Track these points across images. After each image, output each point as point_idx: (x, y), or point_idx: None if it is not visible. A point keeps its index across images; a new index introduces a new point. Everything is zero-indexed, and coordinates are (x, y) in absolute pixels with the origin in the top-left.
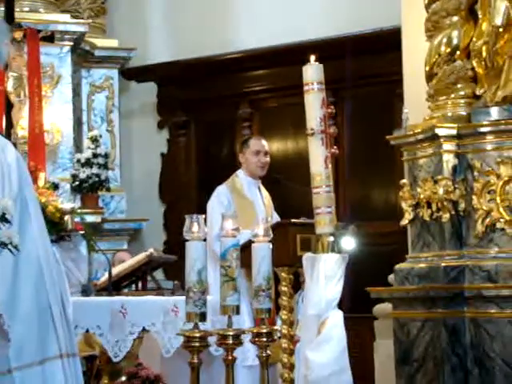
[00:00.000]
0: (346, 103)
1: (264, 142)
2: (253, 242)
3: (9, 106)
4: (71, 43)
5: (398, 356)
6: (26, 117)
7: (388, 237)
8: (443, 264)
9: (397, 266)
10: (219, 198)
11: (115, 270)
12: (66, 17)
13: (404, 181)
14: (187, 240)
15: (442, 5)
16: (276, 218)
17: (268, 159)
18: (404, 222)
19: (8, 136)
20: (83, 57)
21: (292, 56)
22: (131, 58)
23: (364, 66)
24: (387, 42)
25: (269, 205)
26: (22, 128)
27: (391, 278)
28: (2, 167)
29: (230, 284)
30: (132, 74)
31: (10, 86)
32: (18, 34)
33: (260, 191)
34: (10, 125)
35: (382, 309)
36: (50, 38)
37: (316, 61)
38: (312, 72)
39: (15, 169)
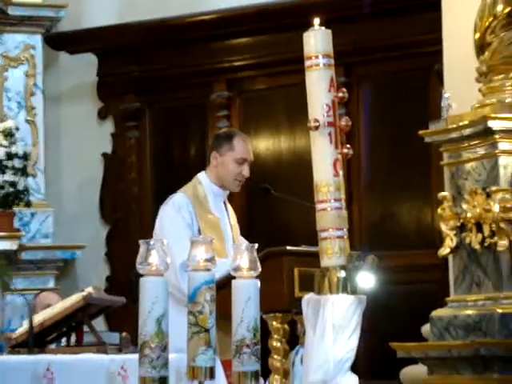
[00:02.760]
0: (364, 85)
1: (250, 147)
2: (232, 277)
3: None
4: None
5: None
6: None
7: (421, 272)
8: (500, 311)
9: (434, 313)
10: (180, 211)
11: (38, 318)
12: None
13: (444, 194)
14: (141, 275)
15: None
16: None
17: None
18: (444, 251)
19: None
20: None
21: (288, 18)
22: (61, 19)
23: (388, 32)
24: None
25: (235, 225)
26: None
27: (426, 329)
28: None
29: (202, 337)
30: (62, 43)
31: None
32: None
33: (226, 206)
34: None
35: (412, 373)
36: None
37: (322, 25)
38: (316, 40)
39: None
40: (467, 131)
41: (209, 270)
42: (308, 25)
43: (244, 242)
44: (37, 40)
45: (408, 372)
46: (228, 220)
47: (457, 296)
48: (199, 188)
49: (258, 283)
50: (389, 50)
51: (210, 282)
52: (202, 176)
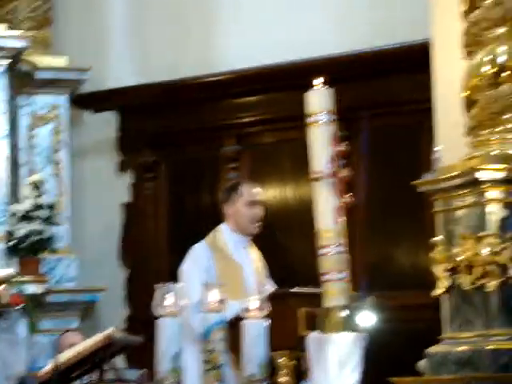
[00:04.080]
0: (362, 139)
1: (259, 189)
2: (242, 318)
3: None
4: (6, 62)
5: None
6: None
7: (417, 311)
8: (490, 347)
9: (429, 350)
10: (197, 259)
11: (63, 357)
12: (0, 28)
13: (437, 238)
14: (158, 317)
15: (484, 13)
16: (271, 288)
17: (263, 213)
18: (437, 291)
19: None
20: (22, 80)
21: (292, 78)
22: (85, 81)
23: (384, 90)
24: (413, 61)
25: (261, 270)
26: None
27: (422, 364)
28: None
29: (214, 373)
30: (86, 102)
31: None
32: None
33: (249, 252)
34: None
35: None
36: None
37: (324, 84)
38: (318, 99)
39: None
40: (457, 181)
41: (220, 311)
42: (310, 84)
43: (271, 287)
44: (62, 100)
45: None
46: (251, 265)
47: (450, 333)
48: (219, 237)
49: (266, 323)
50: (384, 106)
51: (222, 323)
52: (222, 226)
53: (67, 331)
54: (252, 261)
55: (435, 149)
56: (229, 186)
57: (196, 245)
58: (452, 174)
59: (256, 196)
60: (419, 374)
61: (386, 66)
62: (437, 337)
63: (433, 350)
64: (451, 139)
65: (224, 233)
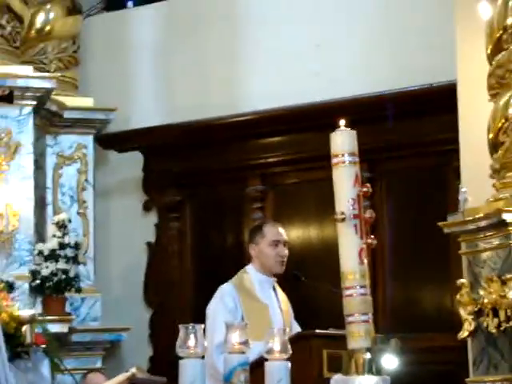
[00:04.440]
0: (386, 180)
1: (282, 229)
2: (266, 359)
3: None
4: (34, 103)
5: None
6: None
7: (442, 354)
8: None
9: None
10: (223, 299)
11: None
12: (28, 69)
13: (462, 281)
14: (181, 357)
15: (510, 55)
16: (296, 329)
17: (287, 252)
18: (463, 334)
19: None
20: (49, 120)
21: (316, 119)
22: (110, 121)
23: (409, 132)
24: (439, 102)
25: (287, 310)
26: None
27: None
28: None
29: None
30: (111, 142)
31: None
32: None
33: (276, 293)
34: None
35: None
36: (8, 97)
37: (347, 126)
38: (342, 140)
39: None
40: (483, 223)
41: (243, 352)
42: (335, 125)
43: (296, 328)
44: (88, 140)
45: None
46: (278, 305)
47: (476, 377)
48: (245, 277)
49: (289, 365)
50: (409, 147)
51: (245, 364)
52: (248, 267)
53: (90, 371)
54: (278, 301)
55: (461, 190)
56: (254, 226)
57: (223, 285)
58: (478, 216)
59: (279, 236)
60: None
61: (409, 108)
62: (462, 380)
63: None
64: (477, 181)
65: (250, 273)
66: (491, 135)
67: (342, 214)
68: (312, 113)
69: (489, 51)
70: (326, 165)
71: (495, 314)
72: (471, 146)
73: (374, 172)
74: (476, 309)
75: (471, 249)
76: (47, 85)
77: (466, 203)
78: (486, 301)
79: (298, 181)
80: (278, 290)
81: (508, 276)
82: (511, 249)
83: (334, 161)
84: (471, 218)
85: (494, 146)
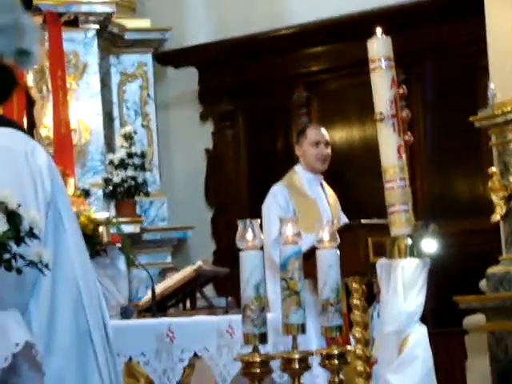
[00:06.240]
0: (420, 81)
1: (324, 130)
2: (317, 248)
3: (30, 103)
4: (97, 26)
5: (495, 377)
6: (49, 114)
7: (477, 236)
8: None
9: (489, 270)
10: (275, 198)
11: (159, 288)
12: None
13: (493, 169)
14: (241, 250)
15: None
16: (343, 220)
17: (329, 151)
18: (495, 217)
19: (30, 137)
20: (111, 41)
21: (354, 29)
22: (166, 39)
23: (440, 35)
24: (466, 4)
25: (334, 204)
26: (45, 127)
27: (483, 284)
28: (32, 173)
29: (293, 299)
30: (168, 59)
31: (30, 80)
32: (38, 20)
33: (323, 189)
34: (31, 124)
35: (473, 321)
36: (73, 22)
37: (383, 33)
38: (378, 46)
39: (47, 174)
40: (510, 116)
41: (296, 243)
42: (371, 33)
43: (343, 219)
44: (148, 58)
45: (470, 320)
46: (326, 200)
47: (508, 255)
48: (294, 176)
49: (338, 252)
50: (440, 50)
51: (298, 253)
52: (297, 167)
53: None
54: (326, 196)
55: (490, 86)
56: (298, 130)
57: (274, 185)
58: (506, 109)
59: (319, 136)
60: (482, 292)
61: (439, 13)
62: (495, 258)
63: (492, 270)
64: (506, 77)
65: (298, 172)
66: None
67: (381, 114)
68: (350, 22)
69: None
70: (365, 70)
71: None
72: (499, 45)
73: (408, 74)
74: (507, 194)
75: (500, 140)
76: (108, 9)
77: (495, 99)
78: None
79: (340, 87)
80: (326, 186)
81: None
82: None
83: (372, 66)
84: (500, 112)
85: None
